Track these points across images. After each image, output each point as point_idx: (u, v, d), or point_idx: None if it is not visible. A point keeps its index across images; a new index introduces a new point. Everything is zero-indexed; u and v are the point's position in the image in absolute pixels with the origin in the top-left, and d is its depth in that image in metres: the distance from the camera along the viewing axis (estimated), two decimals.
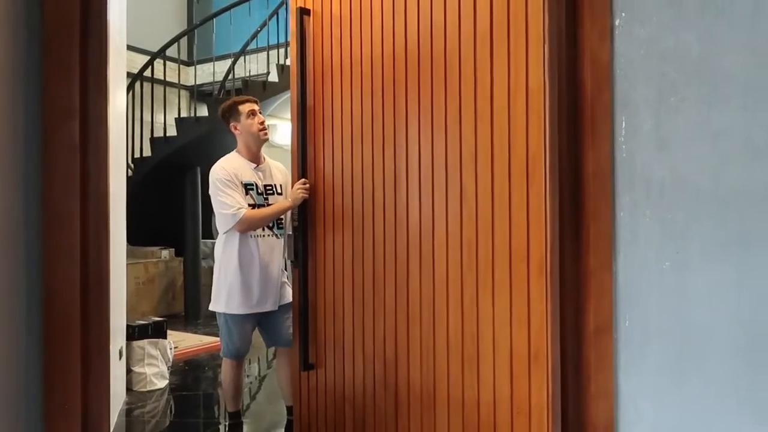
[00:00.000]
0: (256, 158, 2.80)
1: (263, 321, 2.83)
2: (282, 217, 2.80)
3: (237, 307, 2.71)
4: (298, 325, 2.54)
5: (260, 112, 2.80)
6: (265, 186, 2.80)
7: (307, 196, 2.46)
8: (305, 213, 2.53)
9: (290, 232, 2.64)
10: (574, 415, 1.63)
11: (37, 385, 1.26)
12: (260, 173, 2.81)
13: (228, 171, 2.72)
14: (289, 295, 2.82)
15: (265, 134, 2.78)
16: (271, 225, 2.76)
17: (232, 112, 2.78)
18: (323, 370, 2.48)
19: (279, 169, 2.93)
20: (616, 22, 1.57)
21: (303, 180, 2.45)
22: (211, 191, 2.73)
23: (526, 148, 1.69)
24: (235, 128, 2.78)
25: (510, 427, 1.75)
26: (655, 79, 1.52)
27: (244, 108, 2.76)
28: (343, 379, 2.38)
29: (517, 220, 1.71)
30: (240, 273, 2.69)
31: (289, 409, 2.90)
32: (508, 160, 1.74)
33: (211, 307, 2.80)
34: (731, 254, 1.41)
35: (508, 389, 1.75)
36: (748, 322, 1.39)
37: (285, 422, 3.00)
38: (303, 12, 2.47)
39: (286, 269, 2.87)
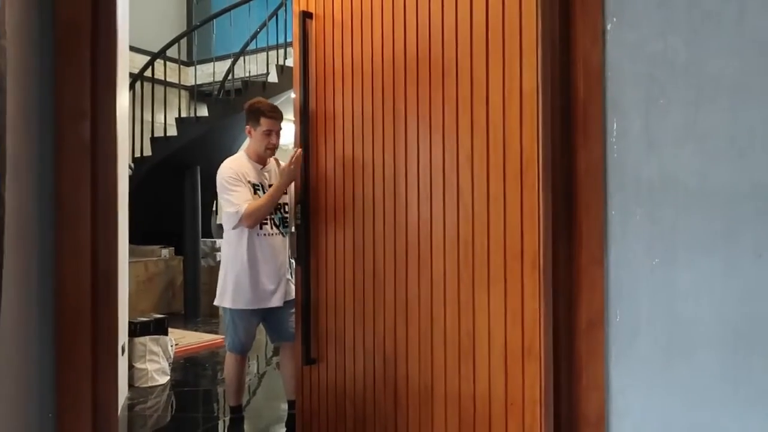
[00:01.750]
0: (262, 160, 2.86)
1: (268, 317, 2.89)
2: (287, 215, 2.86)
3: (243, 303, 2.78)
4: (300, 321, 2.59)
5: (277, 132, 2.81)
6: (270, 186, 2.86)
7: (297, 168, 2.52)
8: (307, 211, 2.59)
9: (293, 230, 2.70)
10: (566, 408, 1.68)
11: (49, 377, 1.31)
12: (266, 173, 2.87)
13: (235, 169, 2.79)
14: (293, 291, 2.87)
15: (271, 151, 2.82)
16: (277, 223, 2.83)
17: (254, 117, 2.81)
18: (325, 365, 2.53)
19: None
20: (608, 27, 1.62)
21: (297, 152, 2.50)
22: (218, 190, 2.80)
23: (520, 149, 1.74)
24: (249, 132, 2.84)
25: (504, 421, 1.80)
26: (645, 82, 1.57)
27: (265, 123, 2.78)
28: (344, 373, 2.43)
29: (512, 218, 1.76)
30: (247, 270, 2.76)
31: (291, 404, 2.96)
32: (503, 161, 1.80)
33: (216, 303, 2.86)
34: (717, 250, 1.46)
35: (502, 383, 1.80)
36: (733, 316, 1.44)
37: (285, 418, 3.04)
38: (306, 15, 2.52)
39: (290, 266, 2.93)
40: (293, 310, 2.82)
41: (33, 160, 1.21)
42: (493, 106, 1.82)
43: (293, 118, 2.68)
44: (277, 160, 2.99)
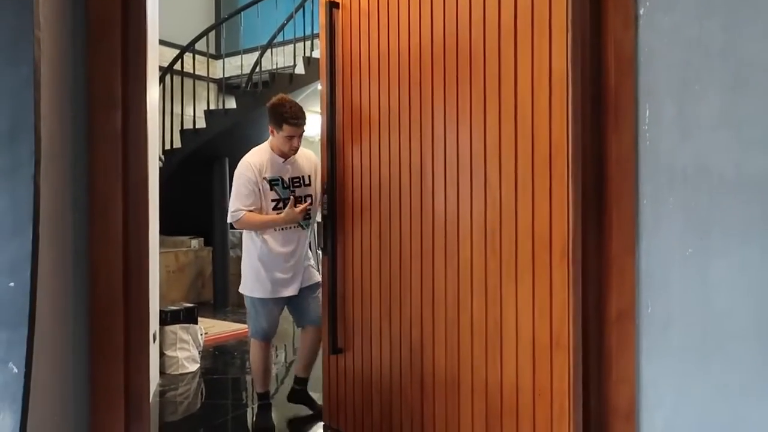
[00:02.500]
0: (284, 154, 2.87)
1: (291, 303, 2.94)
2: (309, 208, 2.87)
3: (261, 292, 2.85)
4: (327, 311, 2.61)
5: (300, 136, 2.82)
6: (291, 179, 2.88)
7: (300, 218, 2.80)
8: (334, 202, 2.60)
9: (320, 221, 2.72)
10: (595, 400, 1.66)
11: (83, 362, 1.34)
12: (288, 166, 2.88)
13: (252, 167, 2.81)
14: (314, 276, 2.91)
15: (292, 153, 2.85)
16: None
17: (276, 121, 2.82)
18: (351, 354, 2.55)
19: (308, 158, 2.99)
20: (641, 11, 1.58)
21: (305, 205, 2.83)
22: (233, 180, 2.85)
23: (549, 136, 1.71)
24: (272, 132, 2.86)
25: (532, 412, 1.78)
26: (679, 68, 1.53)
27: (287, 130, 2.78)
28: (370, 362, 2.44)
29: (540, 207, 1.74)
30: (263, 261, 2.83)
31: (297, 380, 3.06)
32: (531, 148, 1.77)
33: (239, 290, 2.93)
34: (754, 239, 1.42)
35: (530, 374, 1.79)
36: None
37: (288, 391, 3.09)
38: (332, 5, 2.52)
39: (311, 253, 2.96)
40: (316, 294, 2.93)
41: (66, 149, 1.24)
42: (521, 92, 1.80)
43: (318, 110, 2.68)
44: (304, 154, 3.00)
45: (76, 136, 1.27)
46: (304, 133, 2.90)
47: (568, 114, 1.64)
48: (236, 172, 2.86)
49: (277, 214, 2.81)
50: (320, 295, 2.86)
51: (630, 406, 1.59)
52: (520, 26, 1.80)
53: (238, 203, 2.80)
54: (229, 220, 2.85)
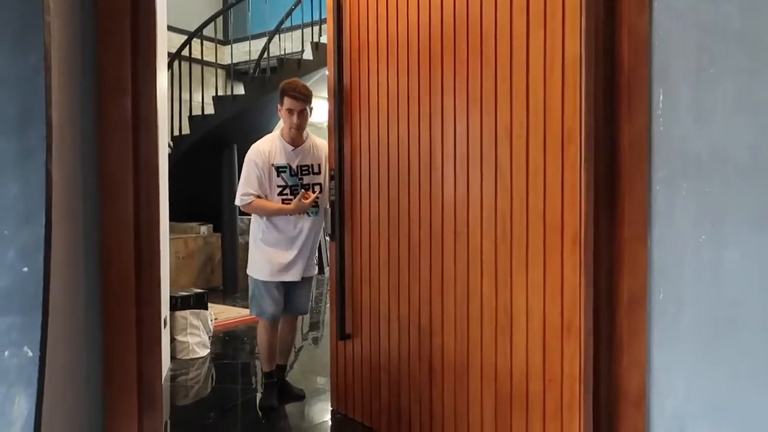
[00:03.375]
0: (294, 141, 2.89)
1: (287, 288, 2.97)
2: (318, 196, 2.89)
3: (263, 275, 2.91)
4: (335, 297, 2.62)
5: (301, 113, 2.82)
6: (300, 167, 2.90)
7: (309, 207, 2.83)
8: (341, 188, 2.59)
9: (327, 207, 2.73)
10: (606, 386, 1.66)
11: (96, 345, 1.36)
12: (298, 155, 2.90)
13: (260, 153, 2.86)
14: (314, 269, 2.97)
15: (295, 131, 2.85)
16: None
17: (281, 97, 2.88)
18: (359, 340, 2.56)
19: (319, 147, 3.01)
20: None
21: (314, 195, 2.85)
22: (243, 165, 2.92)
23: (561, 120, 1.69)
24: (279, 111, 2.90)
25: (542, 396, 1.79)
26: (694, 51, 1.50)
27: (287, 102, 2.83)
28: (378, 347, 2.45)
29: (552, 192, 1.73)
30: (265, 245, 2.90)
31: (277, 366, 3.11)
32: (543, 133, 1.75)
33: (247, 271, 3.01)
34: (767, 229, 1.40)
35: (540, 359, 1.78)
36: None
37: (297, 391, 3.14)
38: None
39: (316, 246, 3.00)
40: (308, 286, 3.05)
41: (77, 135, 1.24)
42: (533, 75, 1.78)
43: (326, 96, 2.67)
44: (315, 143, 3.01)
45: (87, 122, 1.27)
46: (312, 119, 2.91)
47: (581, 99, 1.62)
48: (246, 157, 2.91)
49: (283, 200, 2.83)
50: (311, 289, 2.96)
51: (640, 393, 1.59)
52: (532, 9, 1.77)
53: (247, 187, 2.84)
54: (237, 203, 2.90)
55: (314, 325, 4.91)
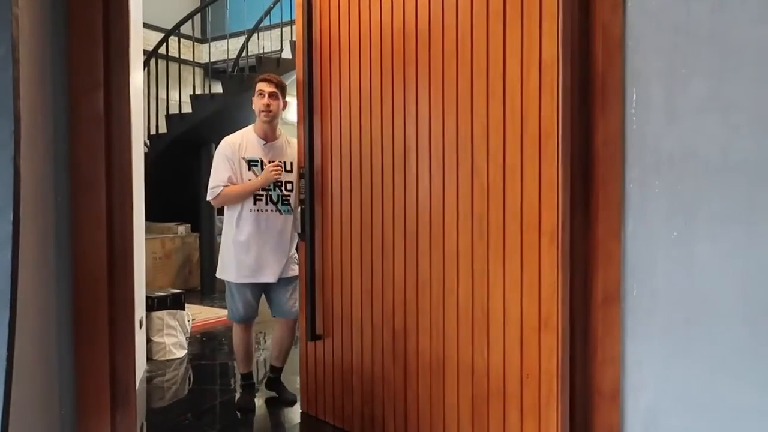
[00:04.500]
0: (266, 135, 2.86)
1: (268, 291, 2.95)
2: (289, 193, 2.86)
3: (234, 276, 2.85)
4: (305, 297, 2.60)
5: (272, 95, 2.82)
6: (271, 162, 2.85)
7: (278, 176, 2.77)
8: (312, 187, 2.58)
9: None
10: (581, 381, 1.68)
11: (68, 344, 1.33)
12: (270, 150, 2.87)
13: (230, 145, 2.84)
14: (295, 269, 2.91)
15: (266, 114, 2.82)
16: (274, 201, 2.84)
17: (254, 90, 2.89)
18: (330, 341, 2.54)
19: (292, 146, 2.97)
20: None
21: (276, 162, 2.78)
22: (213, 160, 2.89)
23: (538, 120, 1.71)
24: (252, 103, 2.88)
25: (520, 393, 1.80)
26: (667, 51, 1.53)
27: (257, 86, 2.86)
28: (351, 349, 2.44)
29: (529, 190, 1.74)
30: (236, 244, 2.84)
31: (273, 368, 3.12)
32: (520, 133, 1.77)
33: (216, 274, 2.96)
34: (738, 225, 1.43)
35: (518, 356, 1.80)
36: (753, 291, 1.42)
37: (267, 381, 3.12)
38: None
39: (293, 246, 2.95)
40: (293, 287, 2.92)
41: (48, 130, 1.21)
42: (510, 76, 1.79)
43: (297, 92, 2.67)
44: (288, 140, 2.99)
45: (59, 116, 1.25)
46: (288, 116, 2.89)
47: (558, 98, 1.64)
48: (216, 151, 2.87)
49: (255, 198, 2.81)
50: (297, 289, 2.89)
51: (615, 388, 1.61)
52: (509, 8, 1.79)
53: (216, 180, 2.80)
54: (208, 198, 2.84)
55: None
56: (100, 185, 1.25)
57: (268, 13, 6.32)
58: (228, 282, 2.90)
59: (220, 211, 6.93)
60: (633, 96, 1.58)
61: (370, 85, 2.30)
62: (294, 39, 6.26)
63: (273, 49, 6.62)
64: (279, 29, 6.42)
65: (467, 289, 1.94)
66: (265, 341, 4.34)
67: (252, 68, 6.15)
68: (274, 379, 3.11)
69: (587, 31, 1.63)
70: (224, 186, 2.78)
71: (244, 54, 6.13)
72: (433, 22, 2.04)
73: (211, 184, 2.81)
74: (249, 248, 2.82)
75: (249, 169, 2.83)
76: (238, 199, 2.80)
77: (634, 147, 1.58)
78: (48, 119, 1.22)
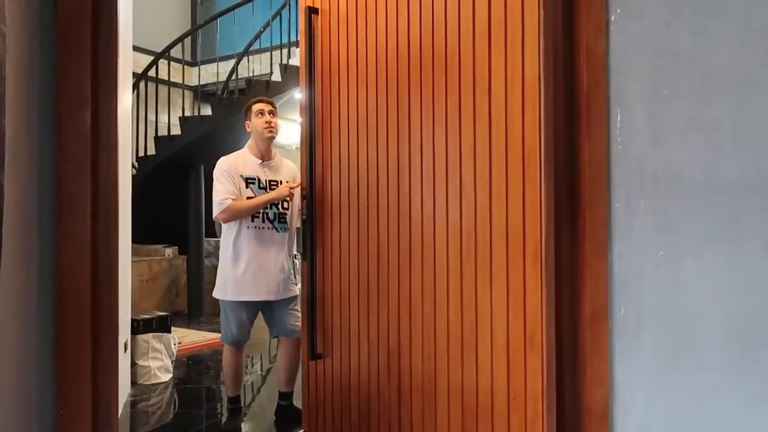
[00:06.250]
0: (263, 155, 2.90)
1: (266, 311, 2.92)
2: (285, 212, 2.87)
3: (230, 295, 2.84)
4: (306, 316, 2.59)
5: (271, 113, 2.90)
6: (269, 181, 2.89)
7: (290, 196, 2.81)
8: (313, 207, 2.59)
9: (299, 226, 2.73)
10: (570, 401, 1.67)
11: (48, 367, 1.30)
12: (266, 169, 2.89)
13: (229, 163, 2.87)
14: (293, 289, 2.90)
15: (269, 131, 2.87)
16: (271, 218, 2.84)
17: (247, 112, 2.96)
18: (330, 360, 2.53)
19: (288, 167, 3.03)
20: (612, 18, 1.61)
21: (294, 183, 2.83)
22: (213, 179, 2.89)
23: (522, 139, 1.73)
24: (247, 126, 2.93)
25: (507, 414, 1.78)
26: (650, 73, 1.56)
27: (255, 108, 2.92)
28: (348, 368, 2.43)
29: (514, 209, 1.75)
30: (233, 262, 2.83)
31: (281, 395, 3.03)
32: (505, 152, 1.78)
33: (213, 294, 2.93)
34: (724, 242, 1.44)
35: (504, 376, 1.79)
36: (739, 309, 1.43)
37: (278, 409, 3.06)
38: (311, 11, 2.53)
39: (289, 266, 2.95)
40: (292, 306, 2.89)
41: (33, 148, 1.21)
42: (495, 96, 1.81)
43: (295, 119, 2.70)
44: (283, 161, 3.03)
45: (44, 134, 1.24)
46: (280, 139, 2.93)
47: (540, 118, 1.66)
48: (215, 170, 2.88)
49: (252, 216, 2.80)
50: (298, 309, 2.86)
51: (604, 408, 1.60)
52: (493, 30, 1.82)
53: (222, 193, 2.78)
54: (215, 212, 2.80)
55: None
56: (86, 204, 1.24)
57: (258, 36, 6.38)
58: (223, 303, 2.87)
59: (209, 234, 6.90)
60: (617, 116, 1.60)
61: (366, 108, 2.32)
62: (284, 62, 6.31)
63: (263, 72, 6.66)
64: (269, 53, 6.47)
65: (456, 307, 1.94)
66: (252, 365, 4.29)
67: (242, 91, 6.19)
68: (285, 407, 3.02)
69: (572, 54, 1.66)
70: (232, 199, 2.76)
71: (234, 77, 6.17)
72: (424, 45, 2.06)
73: (217, 198, 2.79)
74: (246, 266, 2.81)
75: (247, 187, 2.85)
76: (249, 212, 2.79)
77: (620, 167, 1.59)
78: (34, 137, 1.21)
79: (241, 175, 2.85)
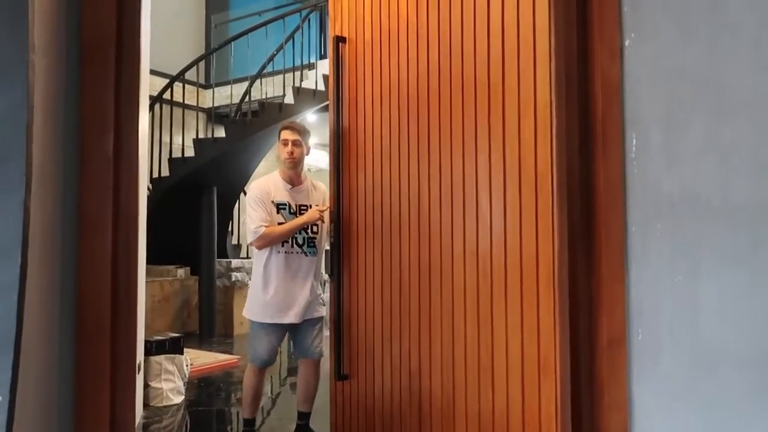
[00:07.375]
0: (291, 180, 2.96)
1: (292, 332, 2.99)
2: (314, 236, 2.91)
3: (259, 316, 2.89)
4: (333, 337, 2.61)
5: (294, 143, 2.94)
6: (299, 206, 2.95)
7: (320, 219, 2.84)
8: (340, 230, 2.61)
9: (328, 248, 2.77)
10: (588, 427, 1.64)
11: (68, 389, 1.31)
12: (296, 194, 2.94)
13: (261, 189, 2.94)
14: (319, 310, 2.94)
15: (291, 162, 2.94)
16: (300, 243, 2.87)
17: (279, 134, 3.00)
18: (356, 381, 2.54)
19: (318, 189, 3.08)
20: (626, 42, 1.63)
21: (324, 207, 2.86)
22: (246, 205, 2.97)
23: (534, 163, 1.73)
24: (278, 150, 2.99)
25: None
26: (664, 97, 1.56)
27: (282, 135, 2.98)
28: (373, 389, 2.44)
29: (527, 232, 1.75)
30: (263, 286, 2.88)
31: (300, 414, 3.05)
32: (518, 175, 1.79)
33: (243, 313, 3.00)
34: (742, 265, 1.43)
35: (520, 400, 1.77)
36: (759, 334, 1.41)
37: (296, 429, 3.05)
38: (339, 40, 2.61)
39: (319, 288, 2.99)
40: (317, 327, 2.96)
41: (57, 172, 1.23)
42: (509, 120, 1.82)
43: (318, 142, 2.75)
44: (314, 184, 3.07)
45: (68, 158, 1.27)
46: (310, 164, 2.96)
47: (552, 143, 1.67)
48: (248, 195, 2.97)
49: (282, 241, 2.84)
50: (323, 330, 2.89)
51: None
52: (507, 59, 1.84)
53: (258, 221, 2.85)
54: (250, 240, 2.88)
55: (294, 371, 4.81)
56: (107, 229, 1.26)
57: (271, 59, 6.47)
58: (253, 323, 2.92)
59: (221, 255, 6.92)
60: (633, 140, 1.60)
61: (390, 133, 2.37)
62: (296, 85, 6.39)
63: (276, 94, 6.74)
64: (282, 75, 6.56)
65: (473, 331, 1.93)
66: (271, 388, 4.27)
67: (255, 113, 6.26)
68: (302, 426, 3.04)
69: (586, 78, 1.67)
70: (265, 226, 2.83)
71: (247, 99, 6.25)
72: (442, 72, 2.09)
73: (252, 226, 2.85)
74: (273, 288, 2.87)
75: (278, 212, 2.91)
76: (281, 238, 2.86)
77: (636, 191, 1.59)
78: (58, 161, 1.24)
79: (273, 201, 2.90)
